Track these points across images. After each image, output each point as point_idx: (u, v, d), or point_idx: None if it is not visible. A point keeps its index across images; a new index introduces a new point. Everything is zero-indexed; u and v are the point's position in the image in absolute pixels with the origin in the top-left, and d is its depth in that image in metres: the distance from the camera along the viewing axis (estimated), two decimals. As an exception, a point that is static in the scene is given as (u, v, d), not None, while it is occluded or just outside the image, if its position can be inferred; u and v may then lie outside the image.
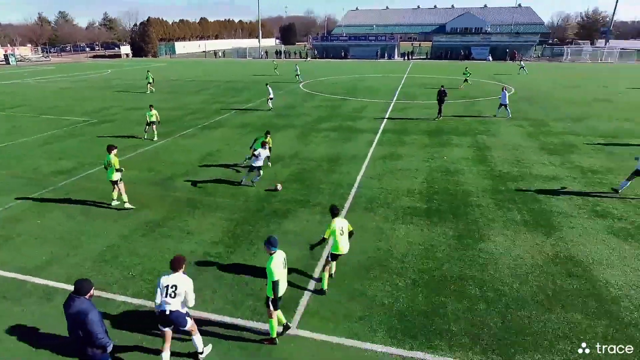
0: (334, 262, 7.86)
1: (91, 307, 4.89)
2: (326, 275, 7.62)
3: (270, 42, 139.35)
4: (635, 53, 71.12)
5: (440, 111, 22.57)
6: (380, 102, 28.34)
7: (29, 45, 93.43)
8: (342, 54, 77.83)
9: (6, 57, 71.56)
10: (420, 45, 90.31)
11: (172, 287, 5.42)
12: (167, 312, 5.45)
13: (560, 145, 17.30)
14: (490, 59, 68.61)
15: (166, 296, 5.42)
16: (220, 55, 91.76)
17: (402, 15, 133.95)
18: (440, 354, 6.13)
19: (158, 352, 5.95)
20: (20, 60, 74.16)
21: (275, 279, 5.85)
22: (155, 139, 18.78)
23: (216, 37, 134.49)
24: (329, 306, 7.20)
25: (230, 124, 22.10)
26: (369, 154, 16.20)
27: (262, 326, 6.70)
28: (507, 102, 22.94)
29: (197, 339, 5.95)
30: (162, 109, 23.22)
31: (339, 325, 6.75)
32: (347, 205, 11.36)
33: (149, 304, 7.25)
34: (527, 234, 9.72)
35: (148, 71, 35.62)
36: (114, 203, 11.27)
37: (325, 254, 8.77)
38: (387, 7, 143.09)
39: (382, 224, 10.21)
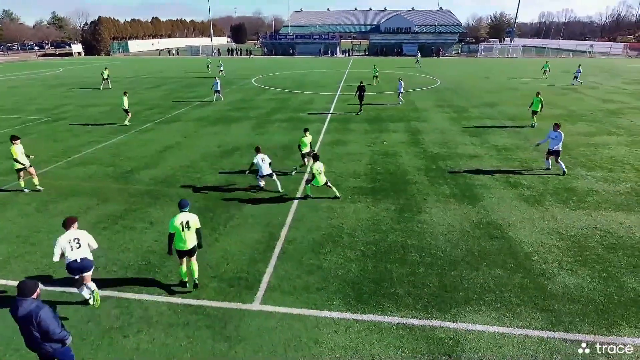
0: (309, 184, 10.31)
1: (41, 306, 4.39)
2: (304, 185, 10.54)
3: (222, 41, 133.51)
4: (534, 49, 76.55)
5: (360, 105, 21.61)
6: (326, 95, 28.19)
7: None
8: (290, 51, 76.52)
9: (-54, 56, 62.52)
10: (360, 43, 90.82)
11: (74, 240, 5.92)
12: (79, 260, 5.89)
13: (479, 128, 18.22)
14: (419, 55, 70.54)
15: (72, 249, 5.87)
16: (174, 53, 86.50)
17: (341, 16, 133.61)
18: (389, 315, 6.24)
19: (132, 345, 5.54)
20: (-37, 60, 65.26)
21: (171, 231, 6.42)
22: (128, 123, 19.23)
23: (169, 36, 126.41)
24: (288, 281, 7.07)
25: (187, 117, 20.96)
26: (319, 142, 16.08)
27: (227, 305, 6.45)
28: (402, 92, 24.01)
29: (91, 285, 6.29)
30: (121, 105, 21.48)
31: (298, 297, 6.65)
32: (301, 187, 11.19)
33: (115, 294, 6.73)
34: (455, 204, 10.14)
35: (106, 68, 32.72)
36: (25, 190, 10.92)
37: (284, 233, 8.66)
38: (328, 9, 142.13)
39: (333, 204, 10.19)
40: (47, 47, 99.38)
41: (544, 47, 79.33)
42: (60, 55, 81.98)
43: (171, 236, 6.42)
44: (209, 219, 9.42)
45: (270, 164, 10.73)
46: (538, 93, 18.44)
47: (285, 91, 30.25)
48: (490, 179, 11.91)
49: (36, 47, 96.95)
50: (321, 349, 5.60)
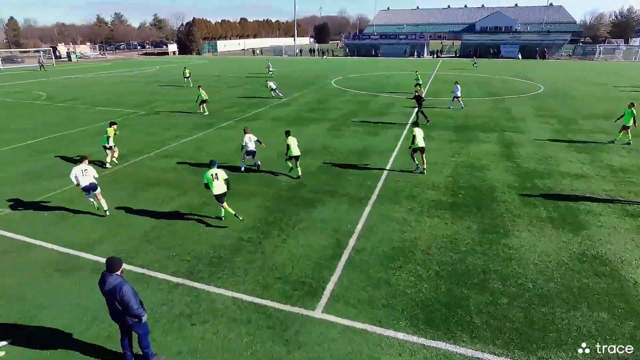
0: (296, 160, 12.35)
1: (124, 282, 5.09)
2: (289, 164, 12.67)
3: (305, 41, 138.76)
4: (672, 51, 65.85)
5: (424, 116, 20.11)
6: (408, 99, 27.60)
7: (88, 43, 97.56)
8: (373, 52, 76.59)
9: (68, 54, 75.01)
10: (453, 44, 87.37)
11: (85, 170, 9.58)
12: (88, 184, 9.54)
13: (589, 143, 16.26)
14: (520, 57, 65.46)
15: (83, 175, 9.51)
16: (258, 53, 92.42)
17: (432, 15, 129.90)
18: (461, 345, 5.88)
19: (198, 334, 6.06)
20: (81, 57, 77.58)
21: (205, 182, 9.17)
22: (206, 113, 22.32)
23: (255, 36, 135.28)
24: (353, 293, 7.07)
25: (265, 116, 22.18)
26: (397, 148, 15.81)
27: (289, 308, 6.68)
28: (459, 95, 23.13)
29: (103, 202, 10.00)
30: (198, 99, 23.62)
31: (362, 311, 6.61)
32: (373, 196, 11.13)
33: (187, 282, 7.39)
34: (553, 231, 9.19)
35: (185, 68, 36.52)
36: (108, 165, 13.72)
37: (352, 241, 8.72)
38: (417, 7, 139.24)
39: (407, 216, 9.94)
40: (147, 46, 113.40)
41: (687, 49, 67.82)
42: (158, 54, 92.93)
43: (206, 185, 9.18)
44: (278, 219, 9.86)
45: (257, 141, 13.10)
46: (631, 104, 15.84)
47: (365, 93, 30.34)
48: (600, 204, 10.55)
49: (139, 47, 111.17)
50: (382, 370, 5.49)
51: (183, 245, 8.69)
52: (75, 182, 9.54)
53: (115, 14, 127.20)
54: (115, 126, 13.84)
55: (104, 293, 5.10)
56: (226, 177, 9.28)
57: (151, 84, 37.09)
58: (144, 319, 5.27)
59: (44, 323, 6.41)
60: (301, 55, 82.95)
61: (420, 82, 29.38)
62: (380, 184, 12.04)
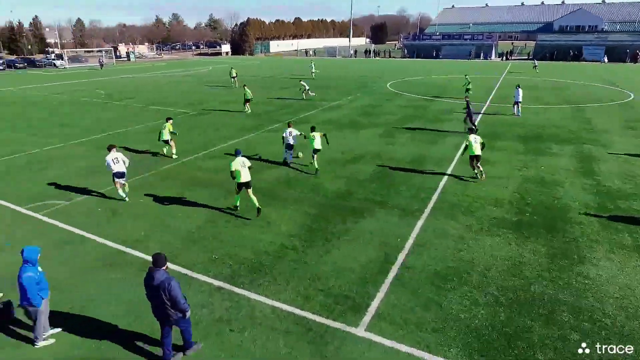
0: (314, 154, 13.59)
1: (171, 277, 5.47)
2: (315, 162, 13.61)
3: (361, 41, 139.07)
4: None
5: (466, 123, 19.75)
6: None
7: (146, 43, 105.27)
8: (434, 53, 75.02)
9: (128, 54, 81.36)
10: (525, 45, 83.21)
11: (116, 158, 10.96)
12: (122, 171, 11.02)
13: (691, 162, 14.66)
14: (606, 60, 60.84)
15: (116, 163, 10.88)
16: (311, 53, 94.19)
17: (502, 13, 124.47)
18: (521, 383, 5.53)
19: (236, 341, 6.25)
20: (139, 57, 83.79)
21: (233, 169, 10.01)
22: (248, 111, 23.96)
23: (309, 37, 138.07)
24: (400, 312, 6.92)
25: (315, 120, 22.46)
26: (456, 158, 15.31)
27: (330, 323, 6.68)
28: (520, 100, 22.42)
29: (126, 188, 11.51)
30: (253, 104, 24.57)
31: (409, 333, 6.45)
32: (427, 209, 10.85)
33: (227, 287, 7.66)
34: (639, 261, 8.38)
35: (232, 68, 38.68)
36: (165, 153, 15.70)
37: (401, 257, 8.53)
38: (486, 5, 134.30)
39: (464, 233, 9.57)
40: (202, 46, 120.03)
41: None
42: (212, 54, 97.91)
43: (232, 173, 10.04)
44: (323, 228, 9.92)
45: (301, 134, 14.13)
46: None
47: (423, 98, 29.78)
48: (701, 233, 9.46)
49: (193, 47, 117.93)
50: (429, 400, 5.31)
51: (226, 248, 9.02)
52: (108, 169, 11.05)
53: (173, 14, 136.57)
54: (171, 121, 15.55)
55: (150, 288, 5.45)
56: (250, 164, 10.33)
57: (202, 85, 39.15)
58: (189, 314, 5.63)
59: (91, 314, 6.95)
60: (356, 57, 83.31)
61: (470, 87, 28.78)
62: (435, 197, 11.72)
